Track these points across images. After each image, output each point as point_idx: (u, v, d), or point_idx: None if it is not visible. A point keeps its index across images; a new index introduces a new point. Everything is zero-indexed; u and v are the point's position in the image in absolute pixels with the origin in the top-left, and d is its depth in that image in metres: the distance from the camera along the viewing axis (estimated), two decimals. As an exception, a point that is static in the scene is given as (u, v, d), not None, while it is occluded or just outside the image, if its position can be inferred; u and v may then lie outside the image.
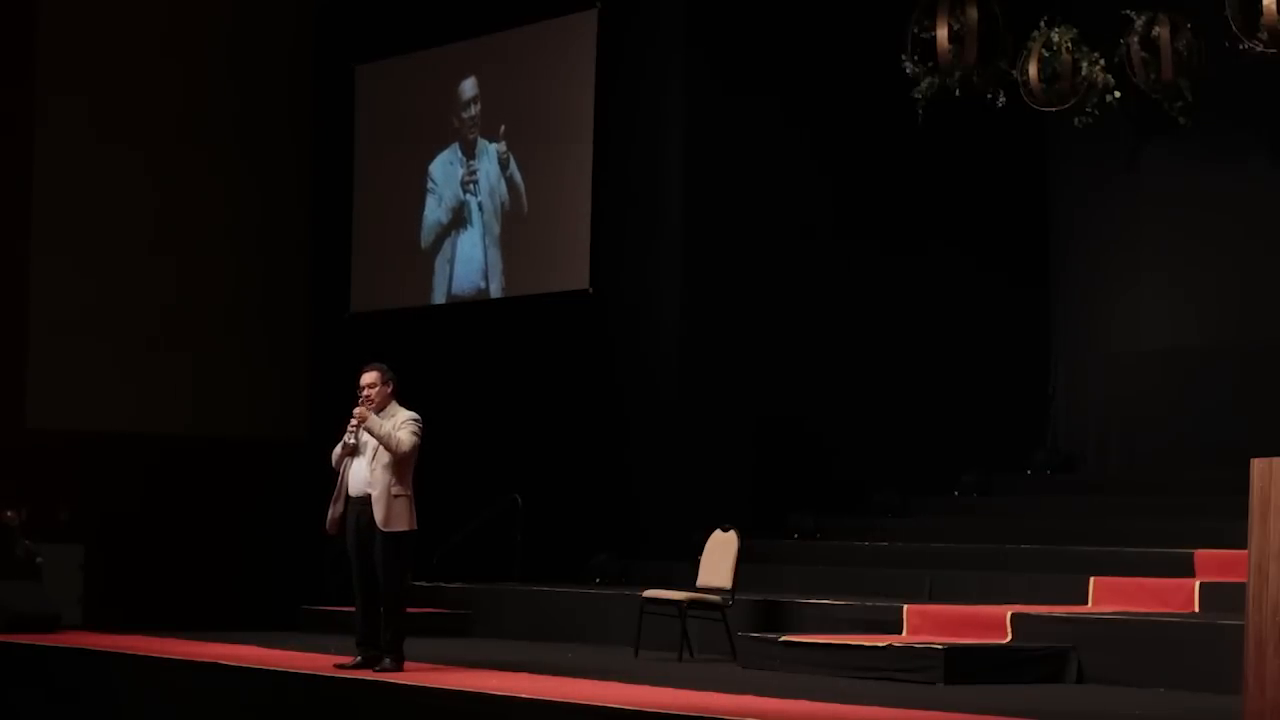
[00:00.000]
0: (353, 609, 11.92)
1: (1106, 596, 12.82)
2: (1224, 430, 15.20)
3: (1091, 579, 13.02)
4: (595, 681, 11.21)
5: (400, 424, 11.58)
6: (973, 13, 14.33)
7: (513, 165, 18.31)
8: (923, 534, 15.61)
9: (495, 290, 18.43)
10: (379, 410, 11.68)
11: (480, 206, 18.63)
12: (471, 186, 18.73)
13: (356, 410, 11.63)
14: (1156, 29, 14.13)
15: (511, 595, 15.93)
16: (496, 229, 18.43)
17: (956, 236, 17.17)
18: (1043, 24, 14.34)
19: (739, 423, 16.83)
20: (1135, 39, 14.15)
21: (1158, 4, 14.16)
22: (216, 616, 16.54)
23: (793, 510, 16.32)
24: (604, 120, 17.42)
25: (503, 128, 18.45)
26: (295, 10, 20.21)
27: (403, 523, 11.56)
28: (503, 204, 18.39)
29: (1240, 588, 8.20)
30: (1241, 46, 13.07)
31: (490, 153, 18.56)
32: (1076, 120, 14.43)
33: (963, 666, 11.27)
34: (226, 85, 19.65)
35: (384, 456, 11.55)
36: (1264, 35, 12.90)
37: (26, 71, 18.76)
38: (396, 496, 11.54)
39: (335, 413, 12.32)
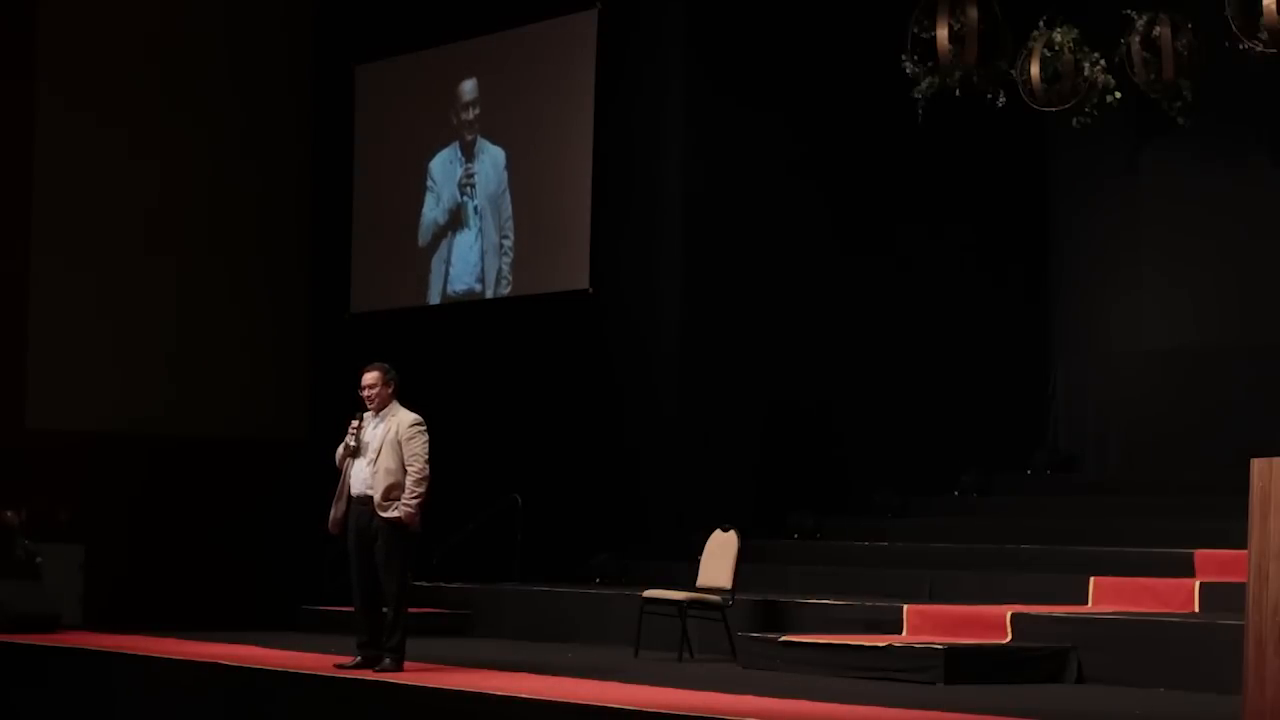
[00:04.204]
0: (352, 609, 11.92)
1: (1106, 596, 12.82)
2: (1224, 430, 15.19)
3: (1091, 579, 13.02)
4: (595, 681, 11.22)
5: (405, 441, 11.53)
6: (973, 13, 14.32)
7: (512, 165, 18.30)
8: (923, 534, 15.61)
9: (491, 291, 18.43)
10: (379, 410, 11.69)
11: (477, 209, 18.63)
12: (469, 189, 18.72)
13: (353, 423, 11.64)
14: (1157, 29, 14.12)
15: (511, 595, 15.93)
16: (494, 230, 18.43)
17: (956, 236, 17.17)
18: (1042, 24, 14.33)
19: (739, 422, 16.83)
20: (1136, 39, 14.15)
21: (1158, 4, 14.16)
22: (216, 616, 16.54)
23: (793, 510, 16.32)
24: (604, 120, 17.42)
25: (502, 128, 18.45)
26: (295, 10, 20.21)
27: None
28: (501, 205, 18.38)
29: (1240, 588, 8.19)
30: (1241, 46, 13.06)
31: (489, 153, 18.56)
32: (1075, 120, 14.42)
33: (963, 666, 11.27)
34: (226, 85, 19.65)
35: (386, 460, 11.55)
36: (1264, 35, 12.89)
37: (26, 71, 18.76)
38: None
39: (335, 413, 12.34)
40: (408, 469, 11.53)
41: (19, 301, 18.64)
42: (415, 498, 11.52)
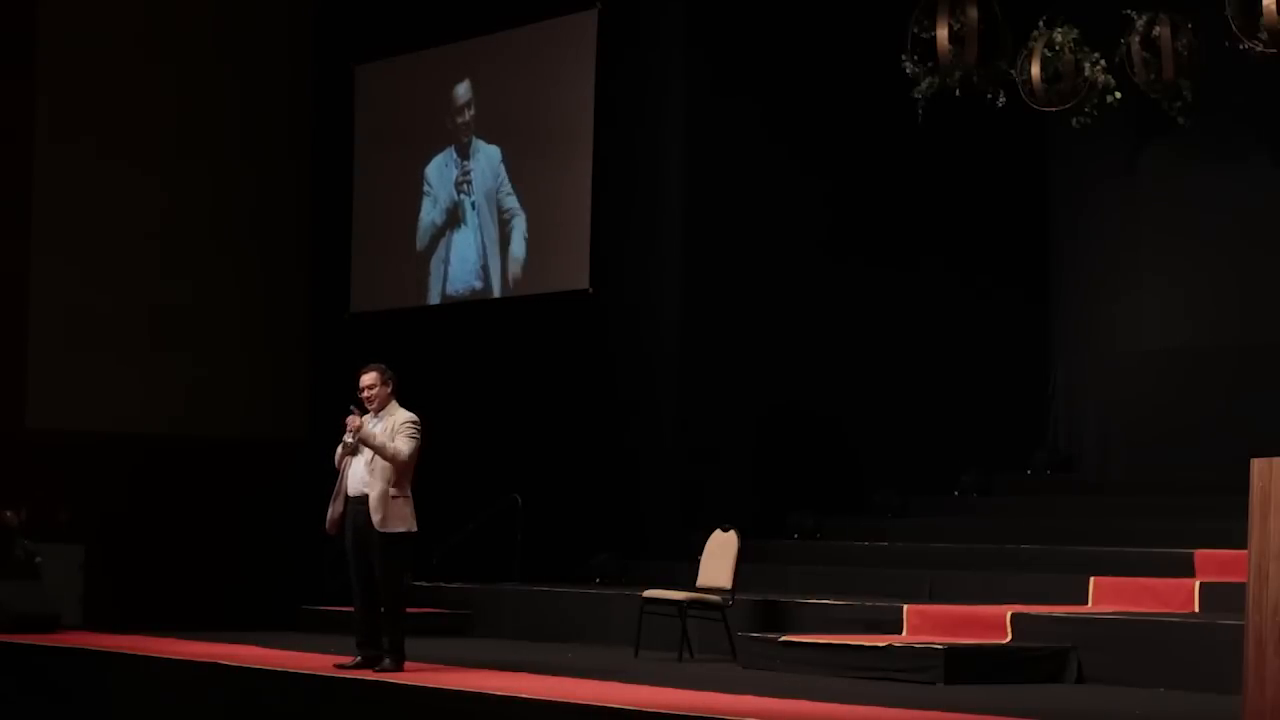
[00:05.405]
0: (352, 609, 11.92)
1: (1106, 596, 12.82)
2: (1224, 430, 15.19)
3: (1091, 579, 13.02)
4: (595, 681, 11.22)
5: (397, 428, 11.55)
6: (973, 13, 14.32)
7: (512, 165, 18.30)
8: (923, 534, 15.61)
9: (490, 290, 18.43)
10: (379, 410, 11.69)
11: (474, 206, 18.63)
12: (466, 187, 18.72)
13: (349, 420, 11.62)
14: (1157, 29, 14.12)
15: (511, 595, 15.93)
16: (493, 229, 18.43)
17: (956, 237, 17.17)
18: (1042, 24, 14.33)
19: (739, 422, 16.83)
20: (1136, 39, 14.15)
21: (1158, 4, 14.15)
22: (216, 616, 16.55)
23: (793, 510, 16.32)
24: (604, 120, 17.42)
25: (502, 128, 18.45)
26: (295, 10, 20.21)
27: (400, 524, 11.55)
28: (499, 202, 18.38)
29: (1240, 588, 8.20)
30: (1241, 46, 13.06)
31: (486, 152, 18.56)
32: (1075, 121, 14.42)
33: (963, 666, 11.27)
34: (226, 85, 19.64)
35: (382, 459, 11.55)
36: (1264, 35, 12.88)
37: (25, 72, 18.76)
38: (394, 498, 11.53)
39: (335, 413, 12.32)
40: (395, 454, 11.51)
41: (19, 301, 18.64)
42: (382, 442, 11.46)
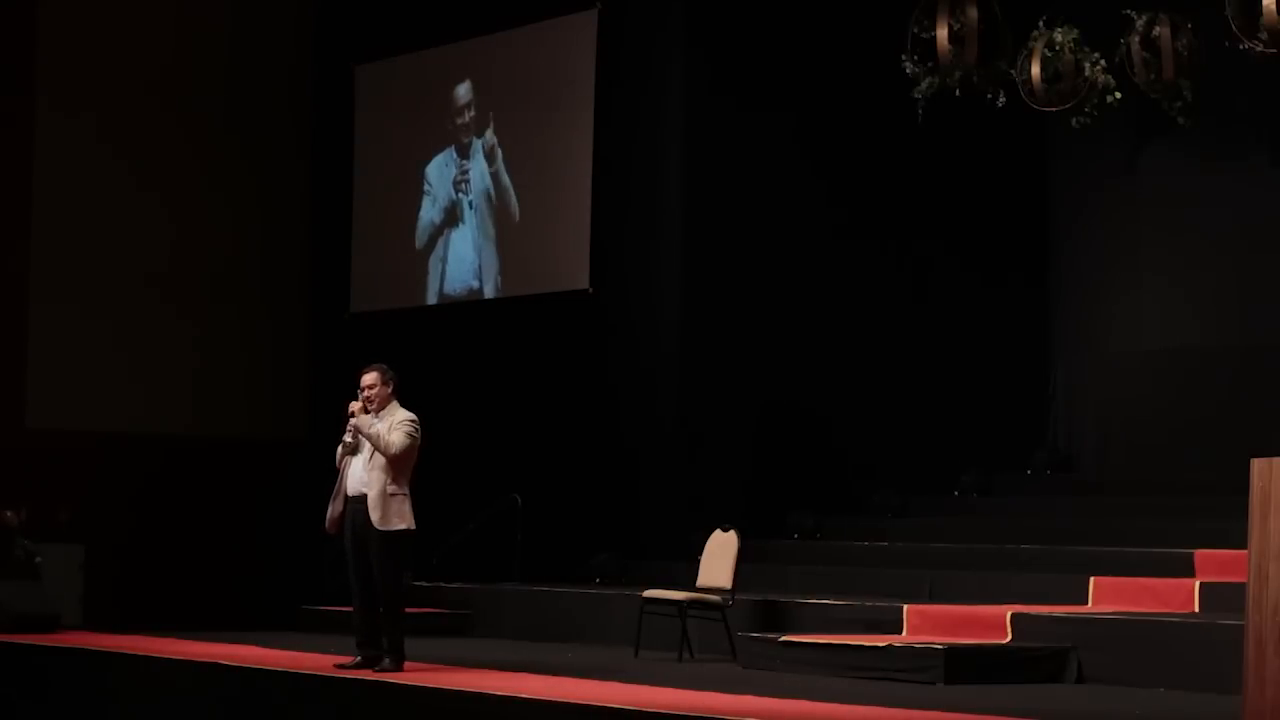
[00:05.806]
0: (352, 609, 11.92)
1: (1106, 596, 12.82)
2: (1224, 430, 15.19)
3: (1091, 579, 13.02)
4: (595, 681, 11.22)
5: (395, 425, 11.56)
6: (973, 13, 14.32)
7: (511, 165, 18.29)
8: (923, 534, 15.61)
9: (489, 290, 18.43)
10: (379, 410, 11.69)
11: (472, 204, 18.64)
12: (464, 185, 18.72)
13: (353, 404, 11.64)
14: (1157, 29, 14.13)
15: (511, 595, 15.93)
16: (491, 229, 18.43)
17: (956, 236, 17.17)
18: (1042, 24, 14.33)
19: (739, 422, 16.83)
20: (1136, 39, 14.15)
21: (1158, 4, 14.16)
22: (216, 616, 16.55)
23: (793, 510, 16.32)
24: (604, 120, 17.42)
25: (502, 127, 18.44)
26: (295, 10, 20.21)
27: (398, 522, 11.55)
28: (497, 204, 18.38)
29: (1240, 588, 8.20)
30: (1241, 46, 13.06)
31: (485, 151, 18.55)
32: (1075, 121, 14.42)
33: (963, 666, 11.27)
34: (226, 85, 19.64)
35: (380, 456, 11.55)
36: (1264, 35, 12.89)
37: (26, 73, 18.75)
38: (392, 495, 11.54)
39: (335, 413, 12.33)
40: (386, 446, 11.51)
41: (19, 301, 18.64)
42: (378, 431, 11.47)
